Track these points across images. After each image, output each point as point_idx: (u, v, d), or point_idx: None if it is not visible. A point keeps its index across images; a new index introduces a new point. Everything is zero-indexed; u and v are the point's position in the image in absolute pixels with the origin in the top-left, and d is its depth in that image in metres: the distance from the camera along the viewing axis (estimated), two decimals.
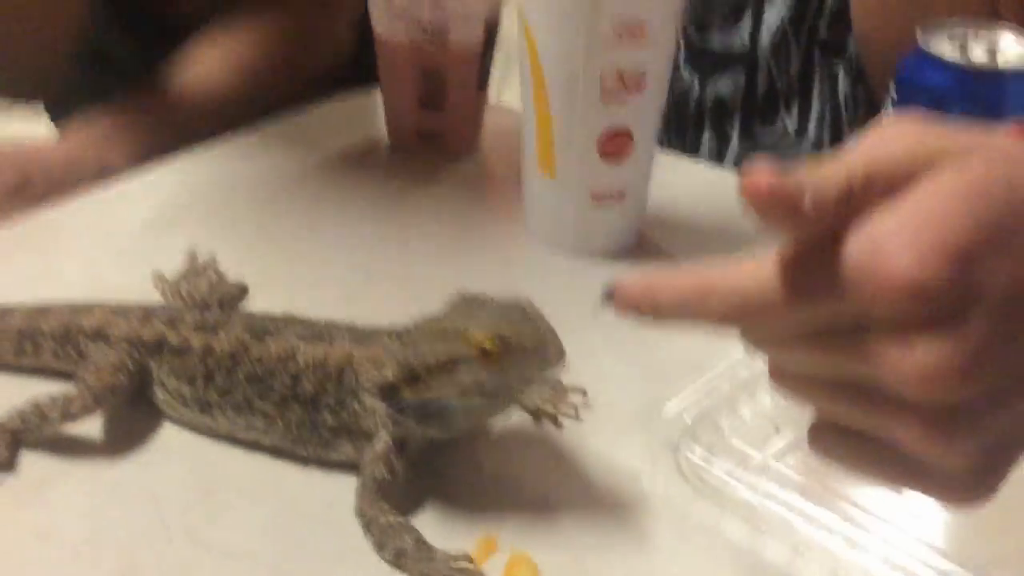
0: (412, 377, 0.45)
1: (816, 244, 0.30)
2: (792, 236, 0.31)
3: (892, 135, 0.31)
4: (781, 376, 0.35)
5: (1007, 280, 0.28)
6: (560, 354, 0.44)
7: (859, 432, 0.33)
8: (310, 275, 0.66)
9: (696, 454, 0.49)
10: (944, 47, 0.59)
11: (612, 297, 0.34)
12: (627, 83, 0.62)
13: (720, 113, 0.93)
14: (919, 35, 0.60)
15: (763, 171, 0.29)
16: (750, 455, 0.50)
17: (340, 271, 0.66)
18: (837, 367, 0.32)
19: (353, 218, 0.73)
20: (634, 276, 0.34)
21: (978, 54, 0.59)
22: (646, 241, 0.70)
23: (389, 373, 0.45)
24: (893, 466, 0.33)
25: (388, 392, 0.45)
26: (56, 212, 0.72)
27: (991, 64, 0.58)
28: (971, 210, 0.28)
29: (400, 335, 0.47)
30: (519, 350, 0.43)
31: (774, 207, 0.30)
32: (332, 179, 0.78)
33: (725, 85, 0.92)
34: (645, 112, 0.65)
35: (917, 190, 0.29)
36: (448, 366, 0.44)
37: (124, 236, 0.70)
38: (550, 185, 0.67)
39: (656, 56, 0.63)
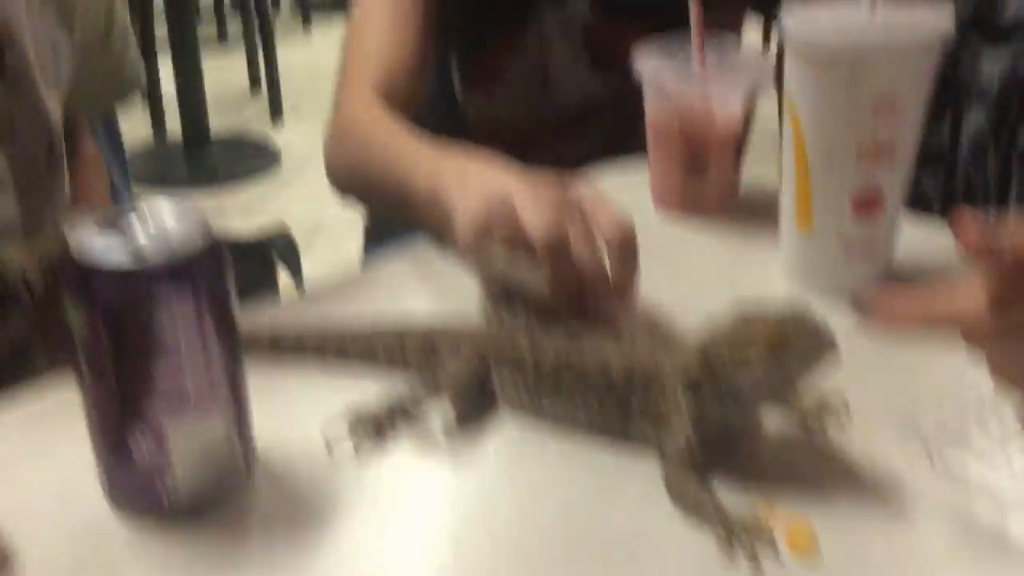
0: (712, 374, 0.57)
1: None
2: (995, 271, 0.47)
3: None
4: (998, 368, 0.50)
5: None
6: (833, 347, 0.55)
7: None
8: None
9: (949, 454, 0.59)
10: None
11: (862, 306, 0.51)
12: (879, 151, 0.73)
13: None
14: None
15: (972, 227, 0.47)
16: (996, 454, 0.59)
17: None
18: None
19: None
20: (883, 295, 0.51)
21: None
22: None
23: (694, 372, 0.58)
24: None
25: (693, 387, 0.58)
26: None
27: None
28: None
29: (700, 339, 0.59)
30: (799, 345, 0.55)
31: (981, 254, 0.47)
32: None
33: (923, 183, 1.01)
34: (894, 175, 0.75)
35: None
36: (742, 362, 0.56)
37: None
38: (807, 237, 0.78)
39: (905, 128, 0.74)
